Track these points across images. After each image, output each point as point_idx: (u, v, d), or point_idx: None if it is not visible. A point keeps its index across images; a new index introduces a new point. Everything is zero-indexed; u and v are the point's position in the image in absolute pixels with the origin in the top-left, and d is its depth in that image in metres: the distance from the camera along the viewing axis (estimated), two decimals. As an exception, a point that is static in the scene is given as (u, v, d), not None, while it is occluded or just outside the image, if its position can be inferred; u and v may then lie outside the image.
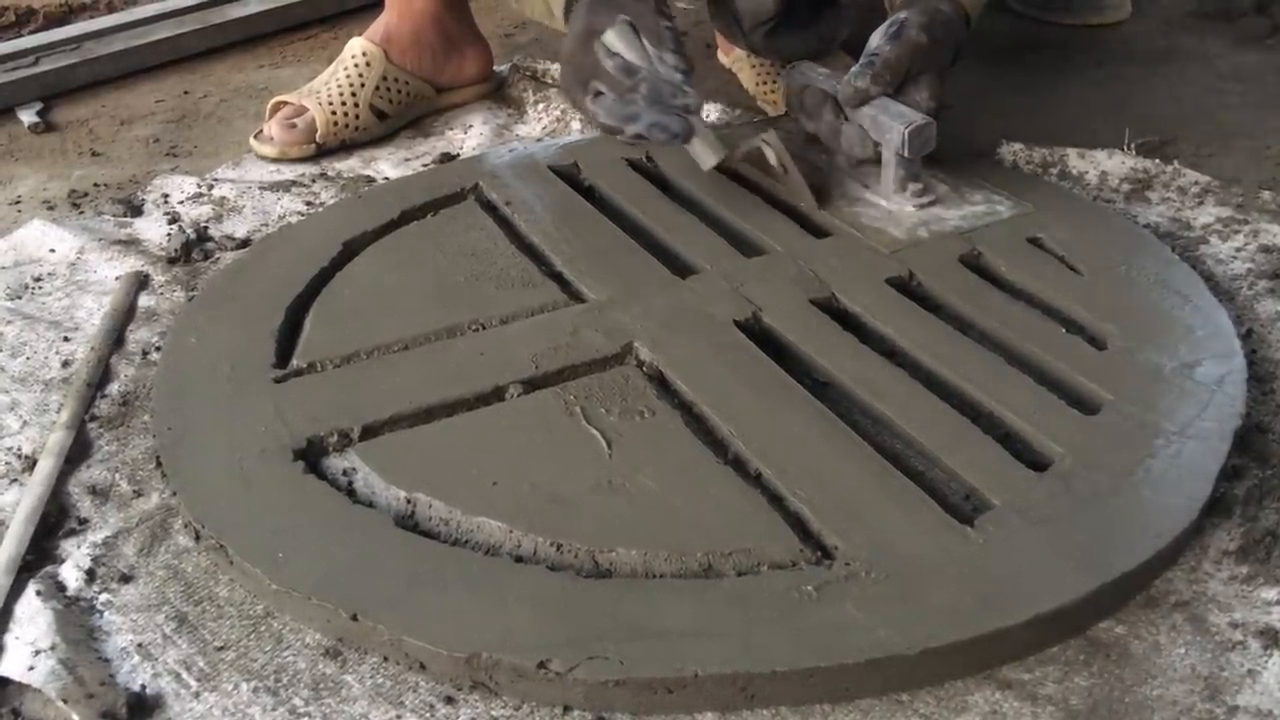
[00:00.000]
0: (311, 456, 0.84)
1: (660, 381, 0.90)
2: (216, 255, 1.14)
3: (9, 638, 0.73)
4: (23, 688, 0.70)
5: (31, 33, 1.70)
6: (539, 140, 1.35)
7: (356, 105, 1.34)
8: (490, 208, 1.16)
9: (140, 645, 0.73)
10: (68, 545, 0.81)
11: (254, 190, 1.25)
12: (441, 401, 0.88)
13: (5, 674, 0.70)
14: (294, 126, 1.32)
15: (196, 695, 0.69)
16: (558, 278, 1.04)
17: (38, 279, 1.11)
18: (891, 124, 1.06)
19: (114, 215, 1.22)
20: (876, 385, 0.88)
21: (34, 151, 1.41)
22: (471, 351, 0.93)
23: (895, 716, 0.67)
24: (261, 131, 1.34)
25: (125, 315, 1.05)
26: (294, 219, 1.20)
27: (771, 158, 1.09)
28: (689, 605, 0.71)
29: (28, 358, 1.00)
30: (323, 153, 1.33)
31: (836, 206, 1.11)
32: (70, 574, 0.78)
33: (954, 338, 0.94)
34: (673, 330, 0.94)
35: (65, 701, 0.68)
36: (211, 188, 1.26)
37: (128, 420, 0.93)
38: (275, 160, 1.32)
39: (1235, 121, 1.35)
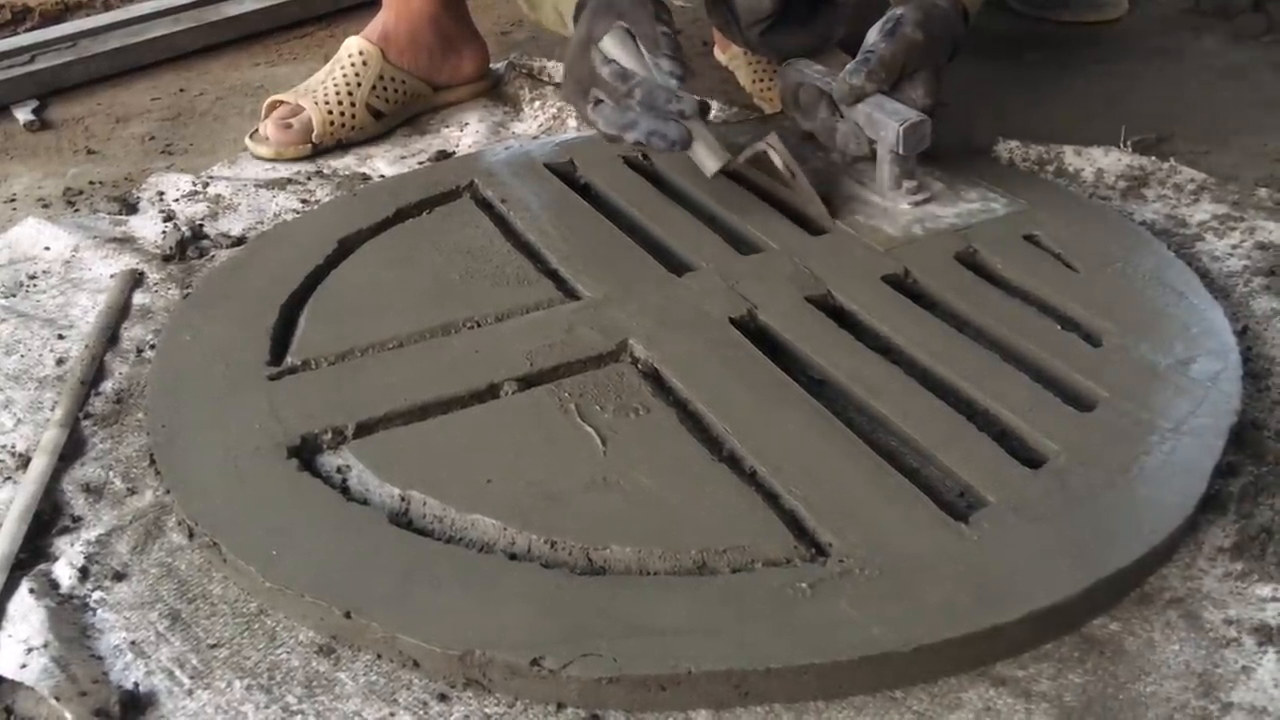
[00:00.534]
0: (305, 454, 0.84)
1: (655, 379, 0.90)
2: (212, 253, 1.14)
3: (2, 635, 0.72)
4: (15, 685, 0.70)
5: (27, 30, 1.70)
6: (535, 138, 1.35)
7: (353, 105, 1.34)
8: (486, 205, 1.16)
9: (133, 643, 0.73)
10: (61, 543, 0.80)
11: (249, 188, 1.25)
12: (436, 399, 0.88)
13: (-2, 672, 0.70)
14: (290, 126, 1.32)
15: (190, 693, 0.69)
16: (553, 275, 1.04)
17: (32, 276, 1.11)
18: (887, 121, 1.05)
19: (109, 213, 1.22)
20: (872, 383, 0.88)
21: (29, 149, 1.41)
22: (466, 349, 0.93)
23: (889, 713, 0.67)
24: (257, 131, 1.34)
25: (120, 313, 1.05)
26: (289, 217, 1.20)
27: (778, 161, 1.08)
28: (683, 602, 0.71)
29: (22, 355, 1.00)
30: (318, 151, 1.33)
31: (831, 204, 1.10)
32: (63, 571, 0.77)
33: (949, 335, 0.93)
34: (668, 327, 0.94)
35: (58, 699, 0.68)
36: (207, 185, 1.26)
37: (122, 418, 0.92)
38: (271, 160, 1.32)
39: (1232, 119, 1.35)
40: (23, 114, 1.47)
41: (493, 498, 0.79)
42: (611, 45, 1.03)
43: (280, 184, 1.26)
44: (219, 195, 1.24)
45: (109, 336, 1.02)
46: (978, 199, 1.11)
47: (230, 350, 0.95)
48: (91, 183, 1.31)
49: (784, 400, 0.86)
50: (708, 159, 1.05)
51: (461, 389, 0.89)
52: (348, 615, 0.71)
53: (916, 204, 1.09)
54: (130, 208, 1.23)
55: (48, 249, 1.15)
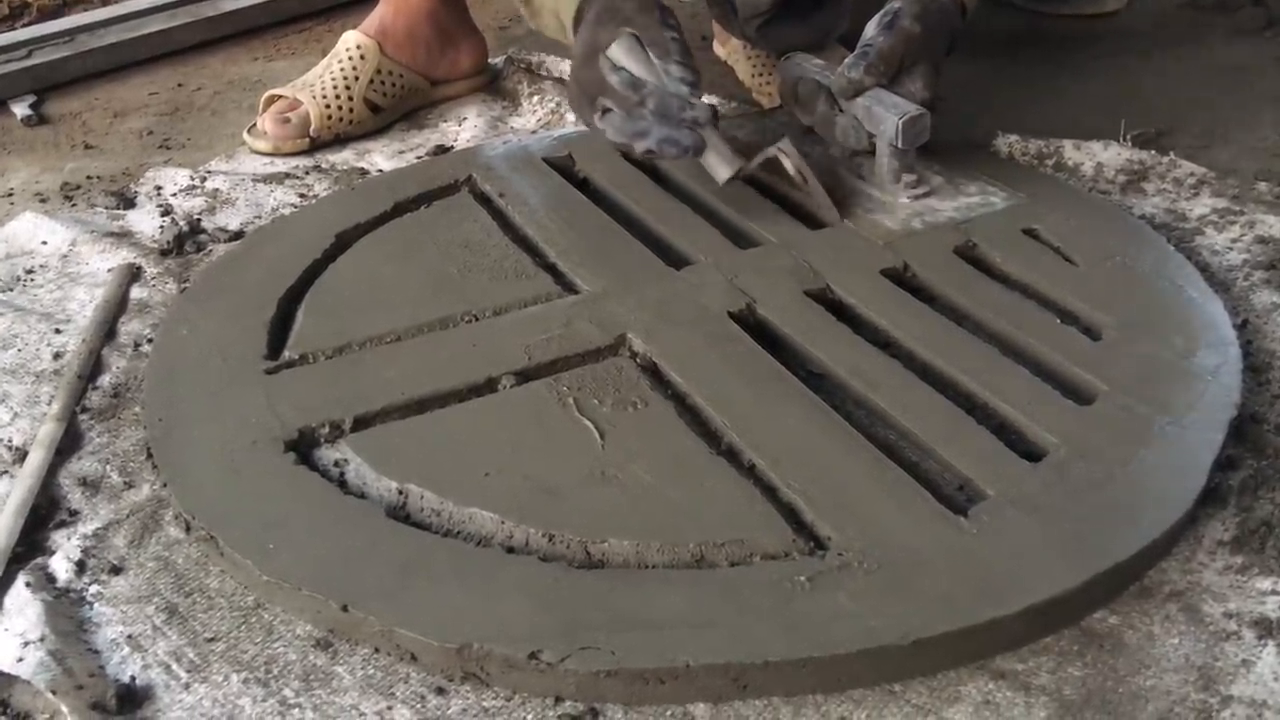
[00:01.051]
0: (303, 448, 0.84)
1: (653, 373, 0.90)
2: (209, 247, 1.14)
3: (-2, 629, 0.72)
4: (12, 679, 0.69)
5: (25, 25, 1.69)
6: (533, 132, 1.34)
7: (351, 99, 1.33)
8: (484, 200, 1.16)
9: (130, 637, 0.72)
10: (58, 537, 0.80)
11: (247, 182, 1.25)
12: (434, 393, 0.88)
13: (-6, 666, 0.70)
14: (288, 121, 1.32)
15: (187, 686, 0.69)
16: (551, 269, 1.03)
17: (30, 271, 1.11)
18: (885, 115, 1.05)
19: (106, 208, 1.22)
20: (871, 376, 0.88)
21: (26, 144, 1.41)
22: (464, 343, 0.93)
23: (888, 707, 0.67)
24: (255, 126, 1.34)
25: (117, 307, 1.05)
26: (287, 211, 1.20)
27: (790, 167, 1.07)
28: (681, 596, 0.71)
29: (19, 350, 0.99)
30: (316, 145, 1.32)
31: (830, 198, 1.10)
32: (60, 566, 0.77)
33: (949, 329, 0.93)
34: (666, 321, 0.94)
35: (54, 693, 0.68)
36: (204, 180, 1.26)
37: (119, 412, 0.92)
38: (269, 155, 1.31)
39: (1231, 113, 1.35)
40: (20, 109, 1.47)
41: (491, 491, 0.79)
42: (620, 53, 1.02)
43: (278, 179, 1.26)
44: (216, 190, 1.24)
45: (106, 331, 1.01)
46: (977, 193, 1.10)
47: (227, 344, 0.95)
48: (89, 177, 1.31)
49: (783, 394, 0.86)
50: (719, 166, 1.04)
51: (459, 383, 0.88)
52: (345, 609, 0.71)
53: (916, 198, 1.09)
54: (128, 202, 1.23)
55: (45, 243, 1.15)
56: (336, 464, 0.83)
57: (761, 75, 1.39)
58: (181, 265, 1.11)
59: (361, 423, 0.85)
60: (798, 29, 1.23)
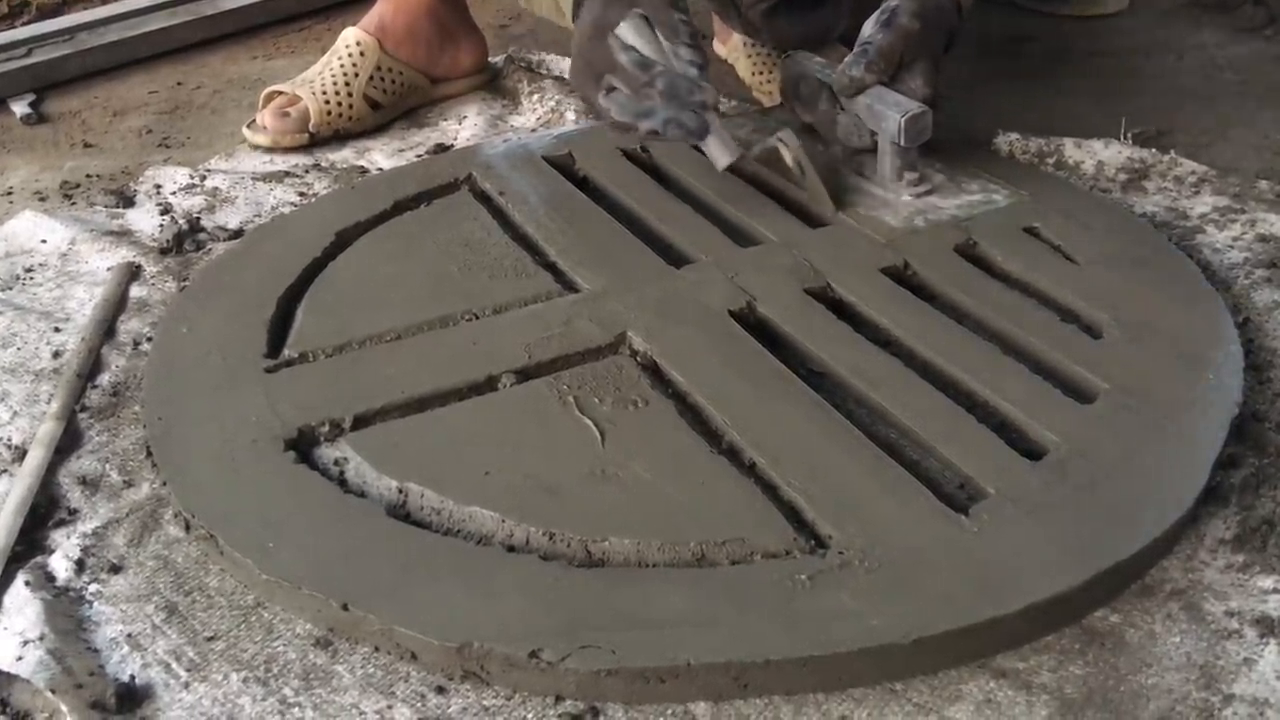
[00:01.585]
0: (303, 446, 0.84)
1: (654, 371, 0.90)
2: (209, 246, 1.14)
3: (-2, 628, 0.72)
4: (11, 678, 0.69)
5: (24, 24, 1.69)
6: (533, 131, 1.34)
7: (350, 95, 1.33)
8: (484, 198, 1.15)
9: (130, 635, 0.72)
10: (57, 536, 0.80)
11: (247, 181, 1.24)
12: (434, 391, 0.88)
13: (-6, 665, 0.70)
14: (287, 115, 1.32)
15: (186, 685, 0.69)
16: (551, 268, 1.03)
17: (29, 270, 1.11)
18: (887, 113, 1.05)
19: (106, 206, 1.22)
20: (871, 375, 0.88)
21: (26, 143, 1.41)
22: (464, 341, 0.93)
23: (889, 705, 0.67)
24: (254, 121, 1.33)
25: (116, 306, 1.04)
26: (287, 209, 1.19)
27: (788, 158, 1.07)
28: (682, 595, 0.71)
29: (18, 348, 0.99)
30: (316, 143, 1.32)
31: (832, 196, 1.10)
32: (60, 564, 0.77)
33: (949, 327, 0.93)
34: (667, 320, 0.94)
35: (54, 692, 0.67)
36: (204, 178, 1.25)
37: (118, 411, 0.92)
38: (268, 150, 1.31)
39: (1232, 111, 1.35)
40: (19, 107, 1.46)
41: (491, 490, 0.79)
42: (629, 32, 1.02)
43: (278, 177, 1.26)
44: (216, 188, 1.23)
45: (106, 329, 1.01)
46: (979, 190, 1.10)
47: (227, 343, 0.94)
48: (88, 176, 1.31)
49: (783, 392, 0.86)
50: (720, 153, 1.04)
51: (459, 381, 0.88)
52: (345, 608, 0.71)
53: (918, 195, 1.09)
54: (127, 201, 1.22)
55: (44, 242, 1.15)
56: (336, 463, 0.83)
57: (761, 74, 1.39)
58: (181, 264, 1.11)
59: (361, 421, 0.85)
60: (799, 21, 1.23)
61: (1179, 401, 0.84)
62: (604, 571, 0.73)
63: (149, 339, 1.00)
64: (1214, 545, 0.76)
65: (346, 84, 1.33)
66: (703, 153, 1.06)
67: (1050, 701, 0.66)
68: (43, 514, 0.82)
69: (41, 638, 0.71)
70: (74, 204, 1.24)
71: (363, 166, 1.29)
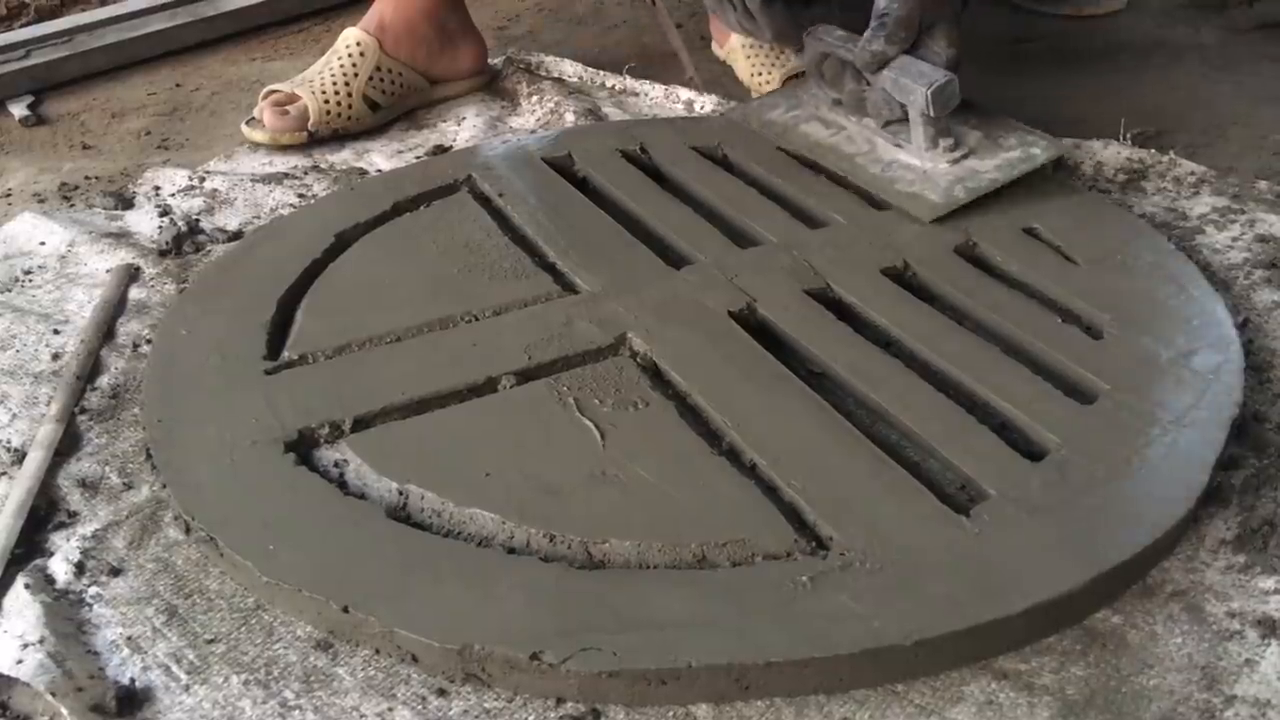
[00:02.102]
0: (303, 448, 0.84)
1: (654, 372, 0.90)
2: (208, 248, 1.14)
3: (-3, 631, 0.72)
4: (11, 681, 0.69)
5: (23, 25, 1.69)
6: (532, 132, 1.34)
7: (349, 95, 1.33)
8: (483, 199, 1.15)
9: (130, 638, 0.72)
10: (57, 538, 0.80)
11: (246, 183, 1.24)
12: (434, 393, 0.87)
13: (-6, 668, 0.70)
14: (286, 113, 1.31)
15: (186, 688, 0.69)
16: (551, 269, 1.03)
17: (28, 272, 1.10)
18: (913, 86, 1.04)
19: (105, 208, 1.21)
20: (871, 375, 0.88)
21: (25, 145, 1.40)
22: (464, 343, 0.93)
23: (891, 707, 0.67)
24: (253, 117, 1.33)
25: (116, 308, 1.04)
26: (286, 211, 1.19)
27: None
28: (683, 596, 0.70)
29: (17, 350, 0.99)
30: (315, 144, 1.32)
31: (869, 174, 1.09)
32: (59, 567, 0.77)
33: (949, 328, 0.93)
34: (667, 321, 0.94)
35: (54, 695, 0.67)
36: (203, 180, 1.25)
37: (118, 413, 0.92)
38: (266, 146, 1.31)
39: (1231, 111, 1.35)
40: (18, 109, 1.46)
41: (491, 491, 0.78)
42: None
43: (277, 178, 1.26)
44: (215, 190, 1.23)
45: (105, 331, 1.01)
46: (1017, 145, 1.10)
47: (227, 345, 0.94)
48: (87, 178, 1.31)
49: (784, 393, 0.86)
50: None
51: (459, 383, 0.88)
52: (346, 610, 0.71)
53: (955, 161, 1.08)
54: (126, 203, 1.22)
55: (43, 244, 1.14)
56: (336, 464, 0.83)
57: (760, 74, 1.39)
58: (180, 266, 1.11)
59: (361, 423, 0.85)
60: (796, 12, 1.22)
61: (1179, 402, 0.84)
62: (605, 573, 0.73)
63: (148, 341, 1.00)
64: (1215, 546, 0.76)
65: (346, 84, 1.33)
66: None
67: (1052, 703, 0.66)
68: (42, 517, 0.82)
69: (41, 641, 0.71)
70: (73, 206, 1.24)
71: (362, 168, 1.29)
